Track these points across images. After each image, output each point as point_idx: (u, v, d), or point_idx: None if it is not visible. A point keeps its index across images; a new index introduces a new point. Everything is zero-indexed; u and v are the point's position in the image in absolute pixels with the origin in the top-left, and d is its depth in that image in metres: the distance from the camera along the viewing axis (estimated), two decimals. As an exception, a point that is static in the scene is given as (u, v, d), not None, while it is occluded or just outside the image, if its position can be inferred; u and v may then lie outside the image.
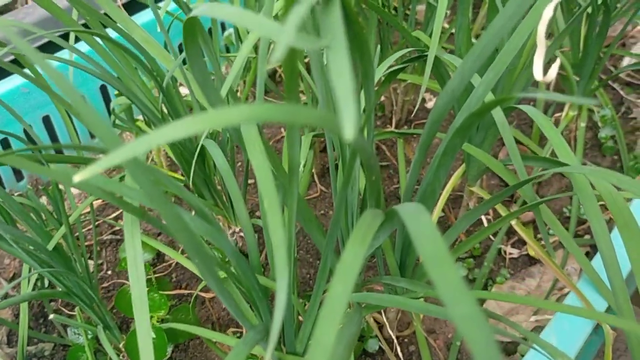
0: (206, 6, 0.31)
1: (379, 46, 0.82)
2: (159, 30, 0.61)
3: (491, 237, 0.83)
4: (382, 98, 1.04)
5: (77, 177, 0.25)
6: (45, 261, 0.61)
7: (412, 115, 1.04)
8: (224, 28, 1.17)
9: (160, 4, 0.85)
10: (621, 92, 1.04)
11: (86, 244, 0.87)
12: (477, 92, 0.45)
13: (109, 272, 0.84)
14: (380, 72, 0.62)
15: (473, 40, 1.08)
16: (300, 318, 0.60)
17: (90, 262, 0.83)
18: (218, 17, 0.29)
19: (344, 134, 0.21)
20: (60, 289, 0.65)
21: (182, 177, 0.84)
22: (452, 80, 0.38)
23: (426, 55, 0.58)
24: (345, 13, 0.31)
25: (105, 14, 0.64)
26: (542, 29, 0.35)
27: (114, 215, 0.92)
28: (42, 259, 0.61)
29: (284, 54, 0.22)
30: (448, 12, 1.20)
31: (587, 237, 0.83)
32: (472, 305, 0.22)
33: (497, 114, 0.55)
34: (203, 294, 0.76)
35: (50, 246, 0.60)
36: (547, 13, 0.34)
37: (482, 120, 0.65)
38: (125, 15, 0.65)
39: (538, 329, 0.71)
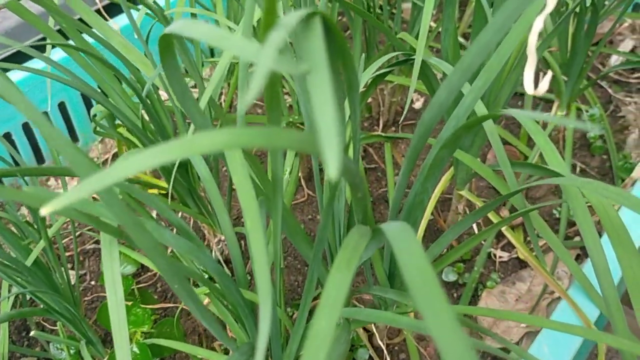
0: (181, 23, 0.29)
1: (365, 46, 0.80)
2: (136, 37, 0.59)
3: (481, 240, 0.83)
4: (369, 99, 1.03)
5: (45, 210, 0.24)
6: (24, 277, 0.59)
7: (401, 117, 1.03)
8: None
9: (140, 6, 0.83)
10: (609, 91, 1.03)
11: (68, 254, 0.85)
12: (466, 101, 0.44)
13: (92, 283, 0.82)
14: (366, 77, 0.60)
15: (460, 39, 1.07)
16: (288, 328, 0.58)
17: (72, 273, 0.81)
18: (193, 35, 0.27)
19: (328, 172, 0.19)
20: (41, 306, 0.63)
21: (165, 185, 0.82)
22: (439, 93, 0.37)
23: (413, 59, 0.56)
24: (326, 25, 0.30)
25: (81, 20, 0.62)
26: (532, 39, 0.34)
27: (97, 223, 0.90)
28: (21, 274, 0.59)
29: (264, 80, 0.21)
30: (434, 12, 1.18)
31: (577, 239, 0.82)
32: (459, 334, 0.22)
33: (487, 123, 0.54)
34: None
35: (28, 262, 0.58)
36: (538, 24, 0.33)
37: (470, 132, 0.65)
38: (102, 21, 0.63)
39: (530, 334, 0.70)
